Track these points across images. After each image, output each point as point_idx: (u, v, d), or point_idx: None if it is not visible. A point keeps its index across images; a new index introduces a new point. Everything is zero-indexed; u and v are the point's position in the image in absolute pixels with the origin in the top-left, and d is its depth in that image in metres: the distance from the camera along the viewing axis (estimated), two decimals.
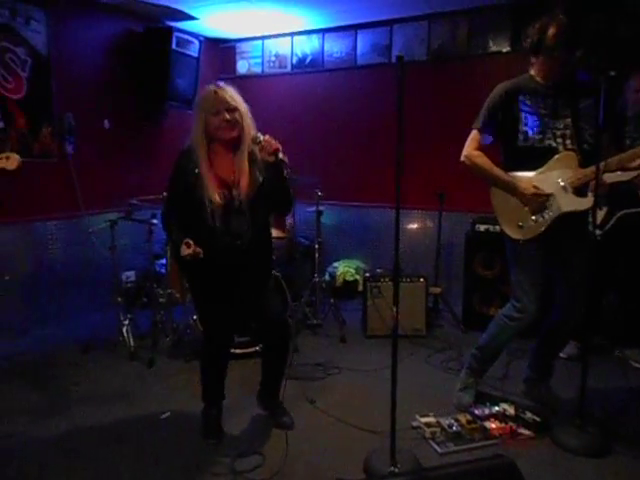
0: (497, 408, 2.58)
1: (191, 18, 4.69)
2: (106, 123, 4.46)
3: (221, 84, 2.28)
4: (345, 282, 4.87)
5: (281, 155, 2.20)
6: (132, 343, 3.47)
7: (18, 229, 3.89)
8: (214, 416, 2.56)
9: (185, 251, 2.15)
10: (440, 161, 4.49)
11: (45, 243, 4.09)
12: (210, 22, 4.87)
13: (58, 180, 4.12)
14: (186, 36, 4.64)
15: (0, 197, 1.78)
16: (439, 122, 4.55)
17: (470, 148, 2.57)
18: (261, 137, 2.23)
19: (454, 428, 2.44)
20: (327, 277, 4.80)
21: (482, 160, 2.54)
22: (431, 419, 2.53)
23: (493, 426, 2.45)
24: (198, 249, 2.15)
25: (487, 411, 2.56)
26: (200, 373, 2.57)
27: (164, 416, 2.69)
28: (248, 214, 2.26)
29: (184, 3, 4.34)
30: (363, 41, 4.87)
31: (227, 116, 2.20)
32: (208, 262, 2.23)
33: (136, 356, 3.43)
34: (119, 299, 3.65)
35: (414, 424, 2.55)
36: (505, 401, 2.67)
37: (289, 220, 4.44)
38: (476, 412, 2.57)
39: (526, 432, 2.44)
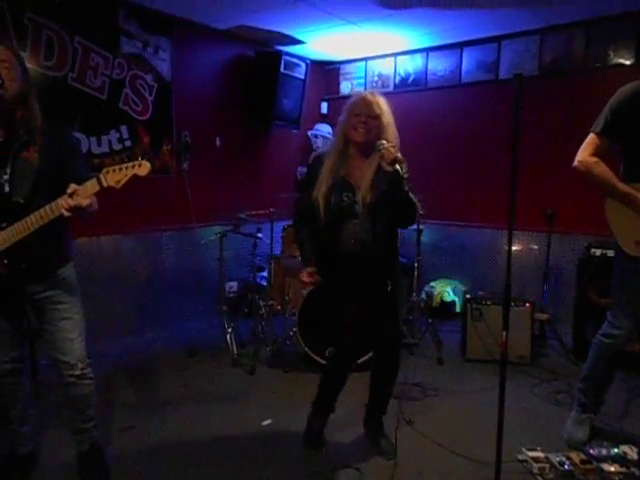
0: (616, 450, 2.35)
1: (299, 42, 4.91)
2: (218, 141, 4.77)
3: (375, 91, 2.34)
4: (442, 302, 4.75)
5: (398, 166, 2.12)
6: (235, 350, 3.64)
7: (137, 238, 4.26)
8: (318, 427, 2.58)
9: (305, 278, 2.38)
10: (551, 180, 4.26)
11: (159, 252, 4.43)
12: (316, 46, 5.05)
13: (174, 194, 4.47)
14: (294, 59, 4.87)
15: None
16: (551, 139, 4.33)
17: (586, 153, 2.36)
18: (384, 144, 2.17)
19: (566, 467, 2.27)
20: (423, 296, 4.71)
21: (599, 167, 2.33)
22: (539, 454, 2.37)
23: (612, 469, 2.24)
24: (317, 279, 2.37)
25: (605, 452, 2.35)
26: (320, 382, 2.57)
27: (265, 423, 2.78)
28: (368, 219, 2.27)
29: (293, 29, 4.56)
30: (468, 58, 4.79)
31: (364, 119, 2.23)
32: (332, 266, 2.38)
33: (238, 363, 3.59)
34: (224, 308, 3.85)
35: (520, 457, 2.41)
36: (626, 443, 2.44)
37: None
38: (591, 452, 2.37)
39: None
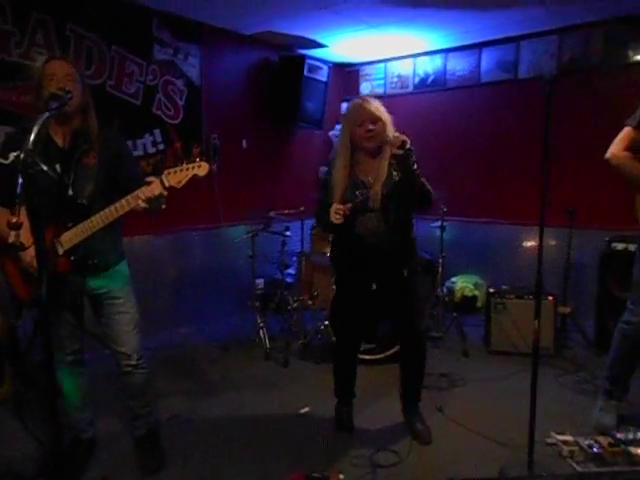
0: None
1: (321, 46, 5.04)
2: (244, 143, 4.93)
3: (366, 97, 2.47)
4: (464, 297, 4.87)
5: (408, 145, 2.27)
6: (268, 344, 3.79)
7: (168, 238, 4.42)
8: (345, 412, 2.79)
9: (334, 214, 2.35)
10: (570, 177, 4.36)
11: (190, 251, 4.60)
12: (337, 49, 5.18)
13: (203, 194, 4.62)
14: (317, 63, 5.00)
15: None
16: (569, 138, 4.42)
17: (618, 147, 2.44)
18: (390, 135, 2.35)
19: (594, 449, 2.39)
20: (445, 292, 4.82)
21: (630, 162, 2.42)
22: (568, 437, 2.49)
23: (639, 452, 2.36)
24: (346, 208, 2.33)
25: (631, 436, 2.46)
26: (333, 372, 2.81)
27: (303, 411, 2.94)
28: (381, 212, 2.42)
29: (316, 33, 4.70)
30: (487, 58, 4.90)
31: (370, 127, 2.37)
32: (348, 260, 2.55)
33: (270, 356, 3.74)
34: (256, 304, 4.01)
35: (549, 441, 2.53)
36: None
37: None
38: (618, 435, 2.48)
39: None
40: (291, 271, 4.81)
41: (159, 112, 4.20)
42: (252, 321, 4.06)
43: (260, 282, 4.94)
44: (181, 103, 4.36)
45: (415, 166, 2.33)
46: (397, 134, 2.32)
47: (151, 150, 4.16)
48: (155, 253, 4.34)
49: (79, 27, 3.60)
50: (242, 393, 3.19)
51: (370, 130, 2.37)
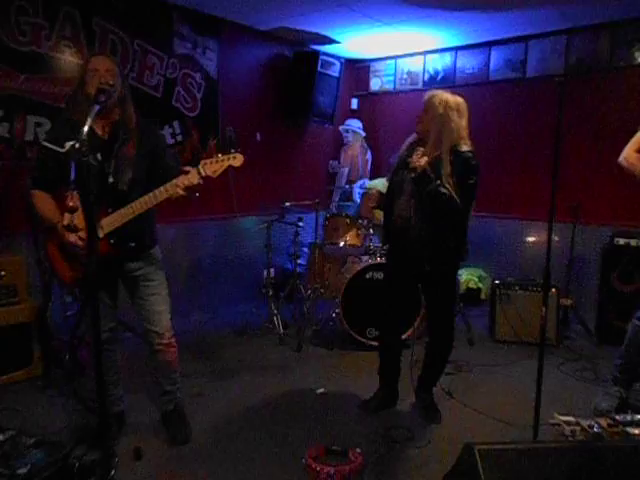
0: None
1: (334, 42, 5.16)
2: (258, 136, 5.06)
3: (441, 92, 2.64)
4: (468, 289, 5.02)
5: (413, 175, 2.50)
6: (282, 330, 3.94)
7: (184, 227, 4.56)
8: (379, 399, 2.90)
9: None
10: (575, 175, 4.50)
11: (204, 240, 4.75)
12: (349, 45, 5.31)
13: (218, 186, 4.73)
14: (330, 58, 5.12)
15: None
16: (575, 136, 4.56)
17: (631, 149, 2.58)
18: (416, 151, 2.55)
19: (595, 429, 2.54)
20: None
21: (638, 162, 2.54)
22: (570, 418, 2.64)
23: (636, 432, 2.51)
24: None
25: (629, 418, 2.62)
26: (379, 358, 2.94)
27: (319, 391, 3.09)
28: (411, 197, 2.56)
29: (330, 29, 4.82)
30: (496, 57, 5.02)
31: (421, 114, 2.61)
32: (388, 238, 2.80)
33: (284, 341, 3.90)
34: (270, 292, 4.16)
35: (552, 421, 2.68)
36: None
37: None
38: (617, 417, 2.64)
39: None
40: (301, 261, 4.95)
41: (178, 104, 4.33)
42: (265, 308, 4.22)
43: (272, 271, 5.10)
44: (199, 96, 4.49)
45: (433, 187, 2.45)
46: (414, 157, 2.50)
47: (170, 141, 4.28)
48: (171, 242, 4.47)
49: (104, 21, 3.72)
50: (259, 375, 3.35)
51: (418, 116, 2.62)
